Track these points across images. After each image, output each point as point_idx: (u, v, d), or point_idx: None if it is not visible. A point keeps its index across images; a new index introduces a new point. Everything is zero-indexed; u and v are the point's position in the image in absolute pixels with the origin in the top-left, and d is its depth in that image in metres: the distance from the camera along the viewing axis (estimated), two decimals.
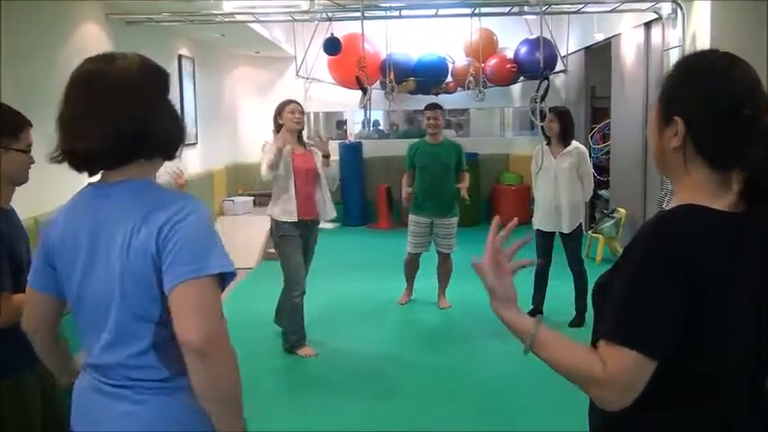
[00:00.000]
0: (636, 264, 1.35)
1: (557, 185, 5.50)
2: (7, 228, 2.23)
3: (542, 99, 5.62)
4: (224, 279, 1.51)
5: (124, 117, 1.50)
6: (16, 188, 2.33)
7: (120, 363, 1.53)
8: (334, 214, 5.26)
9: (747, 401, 1.42)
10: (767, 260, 1.37)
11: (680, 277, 1.29)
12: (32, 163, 2.30)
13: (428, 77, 9.77)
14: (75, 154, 1.53)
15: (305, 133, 5.28)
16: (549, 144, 5.62)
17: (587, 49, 9.19)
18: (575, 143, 5.57)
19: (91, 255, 1.54)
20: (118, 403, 1.54)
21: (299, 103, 5.05)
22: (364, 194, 10.75)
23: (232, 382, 1.54)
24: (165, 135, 1.59)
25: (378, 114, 12.59)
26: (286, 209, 4.88)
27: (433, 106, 6.09)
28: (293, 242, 4.91)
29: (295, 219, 4.87)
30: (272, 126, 5.10)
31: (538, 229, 5.67)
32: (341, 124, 11.67)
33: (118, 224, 1.50)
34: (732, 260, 1.34)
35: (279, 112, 4.99)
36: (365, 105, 6.22)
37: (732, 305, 1.33)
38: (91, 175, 1.60)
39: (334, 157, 10.35)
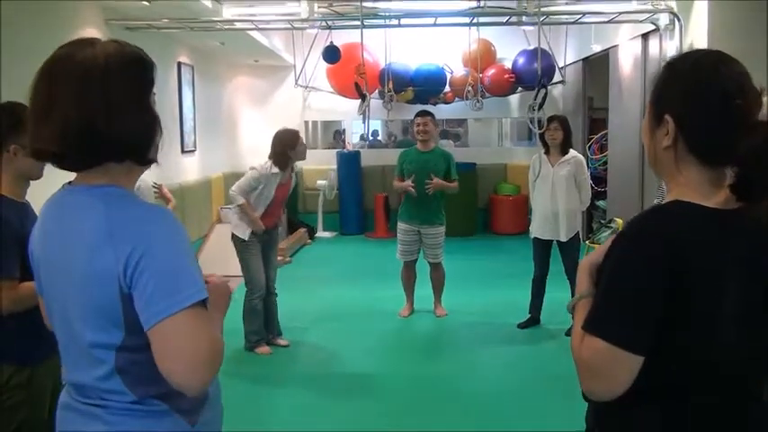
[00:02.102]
0: (618, 257, 1.38)
1: (554, 194, 5.50)
2: (20, 219, 2.34)
3: (540, 107, 5.62)
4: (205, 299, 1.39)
5: (75, 115, 1.34)
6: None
7: (90, 384, 1.44)
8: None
9: (742, 393, 1.42)
10: (755, 256, 1.37)
11: (659, 273, 1.31)
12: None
13: (426, 87, 9.82)
14: (36, 153, 1.41)
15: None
16: (547, 153, 5.63)
17: (585, 60, 9.23)
18: (572, 152, 5.57)
19: (55, 268, 1.45)
20: (90, 422, 1.44)
21: None
22: (362, 203, 10.76)
23: (221, 348, 1.45)
24: (129, 138, 1.39)
25: (376, 125, 12.63)
26: (239, 225, 5.07)
27: (423, 113, 6.07)
28: (252, 249, 5.11)
29: (246, 237, 5.05)
30: (268, 139, 5.14)
31: (535, 238, 5.68)
32: (337, 134, 11.70)
33: (79, 240, 1.37)
34: (719, 256, 1.35)
35: (291, 146, 5.00)
36: (364, 112, 6.23)
37: (719, 300, 1.34)
38: (69, 171, 1.48)
39: (332, 166, 10.49)
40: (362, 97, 6.10)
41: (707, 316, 1.34)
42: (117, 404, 1.42)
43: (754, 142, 1.32)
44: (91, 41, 1.42)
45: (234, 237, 5.13)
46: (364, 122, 6.21)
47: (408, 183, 5.88)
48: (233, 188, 5.08)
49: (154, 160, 1.48)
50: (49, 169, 2.34)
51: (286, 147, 4.99)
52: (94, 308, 1.37)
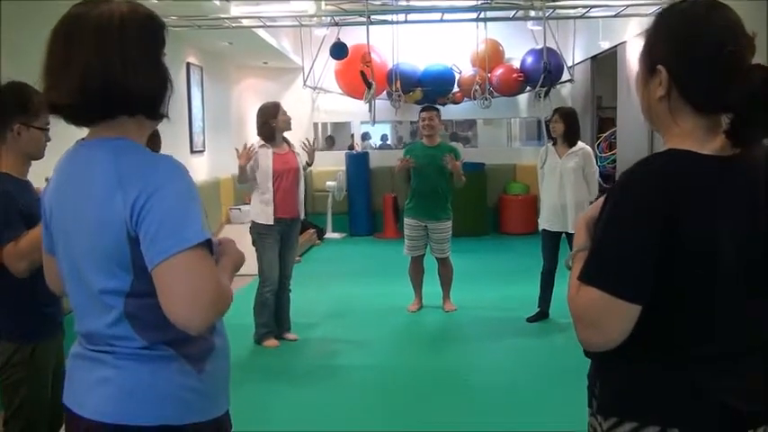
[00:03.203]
0: (613, 206, 1.37)
1: (562, 185, 5.50)
2: (22, 195, 2.39)
3: (546, 95, 5.64)
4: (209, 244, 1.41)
5: (94, 68, 1.39)
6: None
7: (99, 332, 1.47)
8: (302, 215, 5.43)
9: (741, 342, 1.40)
10: (753, 200, 1.36)
11: (654, 220, 1.30)
12: (48, 140, 2.47)
13: (435, 87, 9.81)
14: (52, 107, 1.46)
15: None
16: (555, 144, 5.63)
17: (593, 58, 9.21)
18: (580, 144, 5.58)
19: (67, 220, 1.49)
20: (97, 368, 1.48)
21: None
22: (371, 204, 10.76)
23: (227, 295, 1.46)
24: (144, 91, 1.45)
25: (385, 128, 12.64)
26: (263, 211, 5.07)
27: (428, 108, 6.12)
28: (269, 240, 5.10)
29: (271, 222, 5.05)
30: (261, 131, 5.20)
31: (544, 230, 5.66)
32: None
33: (90, 189, 1.42)
34: (714, 200, 1.34)
35: (273, 115, 5.09)
36: (369, 101, 6.26)
37: (715, 244, 1.33)
38: (81, 126, 1.52)
39: (341, 168, 10.50)
40: (368, 86, 6.13)
41: (703, 261, 1.33)
42: (125, 349, 1.46)
43: (748, 87, 1.31)
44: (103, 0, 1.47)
45: (253, 228, 5.13)
46: (370, 111, 6.22)
47: (406, 159, 5.88)
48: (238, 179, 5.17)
49: (165, 115, 1.54)
50: (50, 151, 2.38)
51: (267, 117, 5.10)
52: (104, 254, 1.41)
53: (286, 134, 5.30)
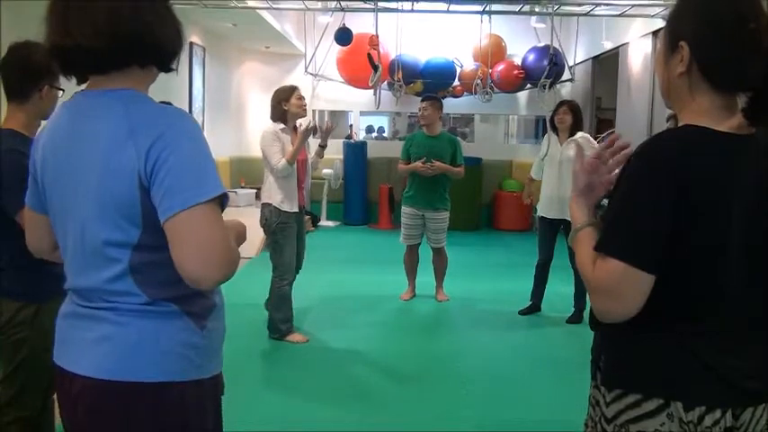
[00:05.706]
0: (630, 177, 1.39)
1: (561, 173, 5.48)
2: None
3: (551, 86, 5.63)
4: (223, 199, 1.39)
5: (124, 12, 1.36)
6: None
7: (97, 287, 1.43)
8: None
9: (745, 320, 1.43)
10: (763, 179, 1.39)
11: (671, 192, 1.32)
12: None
13: (436, 80, 9.80)
14: (62, 51, 1.39)
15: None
16: (556, 135, 5.63)
17: (595, 59, 9.24)
18: (579, 133, 5.54)
19: (69, 170, 1.44)
20: (96, 326, 1.43)
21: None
22: (366, 194, 10.76)
23: (237, 255, 1.45)
24: (167, 40, 1.44)
25: (383, 121, 12.62)
26: (288, 198, 4.77)
27: (426, 98, 6.10)
28: (290, 231, 4.81)
29: (296, 209, 4.81)
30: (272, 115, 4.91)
31: (541, 217, 5.66)
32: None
33: (98, 138, 1.37)
34: (730, 177, 1.36)
35: (285, 98, 4.79)
36: (375, 83, 6.25)
37: (728, 222, 1.35)
38: (80, 81, 1.47)
39: (339, 156, 10.49)
40: (375, 68, 6.12)
41: (711, 236, 1.35)
42: (126, 305, 1.42)
43: (764, 65, 1.33)
44: None
45: (273, 216, 4.74)
46: (375, 95, 6.20)
47: (418, 164, 5.87)
48: (274, 165, 4.68)
49: (175, 68, 1.53)
50: None
51: (280, 100, 4.80)
52: (113, 205, 1.37)
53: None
